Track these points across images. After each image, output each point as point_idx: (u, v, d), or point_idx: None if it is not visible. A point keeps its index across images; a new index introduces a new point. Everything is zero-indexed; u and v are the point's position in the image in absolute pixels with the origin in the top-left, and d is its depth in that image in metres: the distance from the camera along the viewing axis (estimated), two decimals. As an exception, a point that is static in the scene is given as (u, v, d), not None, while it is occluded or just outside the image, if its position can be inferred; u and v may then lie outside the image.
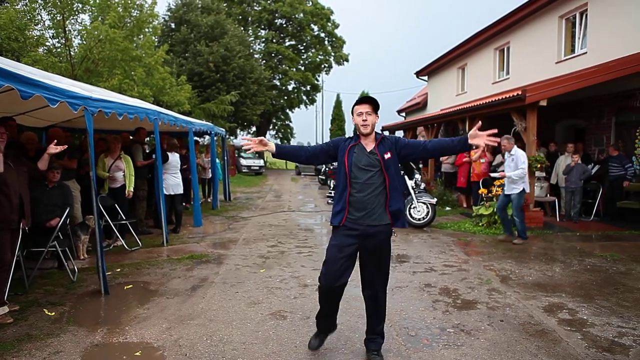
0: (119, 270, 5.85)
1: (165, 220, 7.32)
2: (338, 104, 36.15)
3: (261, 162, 28.07)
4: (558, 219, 9.91)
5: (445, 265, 6.21)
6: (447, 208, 11.72)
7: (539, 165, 9.09)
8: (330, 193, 10.60)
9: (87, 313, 4.44)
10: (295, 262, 6.36)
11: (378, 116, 3.35)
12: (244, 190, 17.54)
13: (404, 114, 26.49)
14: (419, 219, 9.09)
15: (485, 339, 3.82)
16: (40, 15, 14.53)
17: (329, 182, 16.81)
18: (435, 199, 9.37)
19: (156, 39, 16.40)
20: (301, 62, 35.31)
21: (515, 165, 7.65)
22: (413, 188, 9.20)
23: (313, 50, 35.75)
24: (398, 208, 3.33)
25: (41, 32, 14.75)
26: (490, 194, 9.14)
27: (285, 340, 3.80)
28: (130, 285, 5.27)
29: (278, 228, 9.10)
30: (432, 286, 5.30)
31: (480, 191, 9.65)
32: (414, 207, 9.12)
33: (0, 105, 5.36)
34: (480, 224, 9.02)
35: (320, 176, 20.25)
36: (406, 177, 9.36)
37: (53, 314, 4.37)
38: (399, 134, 22.49)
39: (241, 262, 6.36)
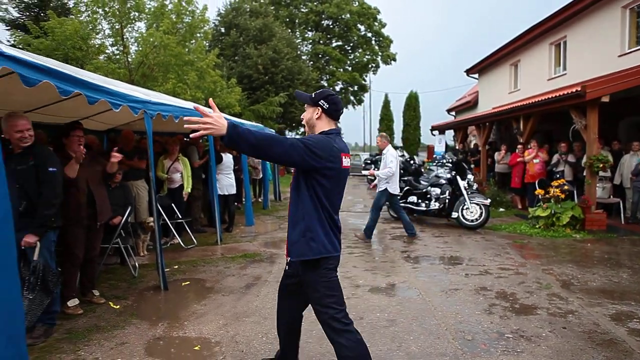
0: (176, 267, 6.07)
1: (219, 220, 7.53)
2: (386, 104, 35.77)
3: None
4: (623, 222, 9.36)
5: (501, 268, 6.02)
6: (501, 209, 11.35)
7: (601, 165, 8.63)
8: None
9: (148, 307, 4.64)
10: (347, 263, 6.35)
11: (318, 108, 2.78)
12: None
13: (453, 112, 25.93)
14: (472, 220, 8.86)
15: (547, 347, 3.67)
16: (101, 25, 15.32)
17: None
18: (489, 200, 9.10)
19: (207, 44, 16.88)
20: (348, 62, 35.30)
21: (384, 165, 7.84)
22: (465, 189, 8.98)
23: (360, 51, 35.65)
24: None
25: (102, 40, 15.54)
26: (547, 195, 8.78)
27: (339, 340, 3.80)
28: (188, 282, 5.45)
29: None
30: (488, 289, 5.15)
31: (536, 192, 9.29)
32: (466, 208, 8.90)
33: (68, 110, 5.68)
34: (537, 226, 8.67)
35: (369, 177, 20.15)
36: (458, 177, 9.16)
37: (118, 307, 4.59)
38: (449, 133, 22.05)
39: (293, 262, 6.43)
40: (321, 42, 33.66)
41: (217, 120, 2.32)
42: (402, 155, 19.00)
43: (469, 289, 5.16)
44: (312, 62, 32.67)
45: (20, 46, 12.80)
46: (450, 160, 10.01)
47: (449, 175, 9.50)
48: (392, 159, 7.83)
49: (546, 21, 14.17)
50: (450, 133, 22.02)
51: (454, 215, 8.99)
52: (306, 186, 2.67)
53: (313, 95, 2.82)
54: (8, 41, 15.09)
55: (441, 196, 9.36)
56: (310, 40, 34.15)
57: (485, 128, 14.48)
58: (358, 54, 35.59)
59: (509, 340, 3.80)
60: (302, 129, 35.28)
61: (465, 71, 21.60)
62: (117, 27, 15.08)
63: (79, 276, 4.66)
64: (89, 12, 15.05)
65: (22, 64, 2.91)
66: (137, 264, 5.79)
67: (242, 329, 4.04)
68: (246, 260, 6.49)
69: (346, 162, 2.77)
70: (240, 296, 4.94)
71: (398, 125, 34.13)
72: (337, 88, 35.33)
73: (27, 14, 16.43)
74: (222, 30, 25.64)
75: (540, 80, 15.17)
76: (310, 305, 2.90)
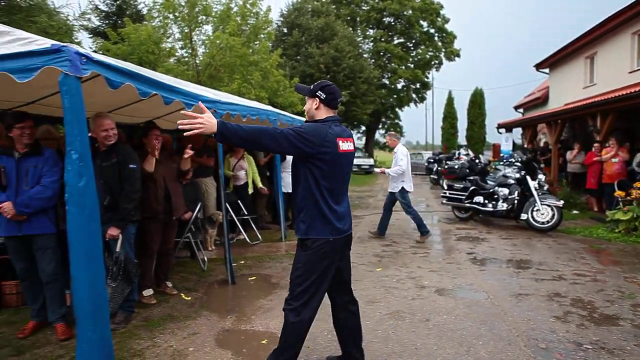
0: (242, 262, 6.25)
1: (283, 217, 7.67)
2: (450, 101, 34.86)
3: (371, 161, 28.07)
4: None
5: (576, 274, 5.68)
6: (575, 211, 10.71)
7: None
8: (445, 193, 10.25)
9: (217, 300, 4.81)
10: (412, 263, 6.26)
11: (316, 99, 2.90)
12: (355, 189, 17.70)
13: (521, 109, 24.78)
14: (543, 223, 8.43)
15: None
16: (172, 29, 16.09)
17: (441, 181, 16.32)
18: (562, 202, 8.61)
19: (270, 44, 17.21)
20: (410, 59, 34.65)
21: (395, 163, 7.77)
22: (536, 189, 8.56)
23: (422, 47, 34.89)
24: None
25: (172, 44, 16.30)
26: (628, 197, 8.18)
27: (405, 342, 3.76)
28: (254, 277, 5.60)
29: (391, 227, 9.03)
30: (562, 296, 4.88)
31: (616, 194, 8.69)
32: (537, 210, 8.48)
33: (141, 111, 6.00)
34: (616, 231, 8.10)
35: (432, 175, 19.74)
36: (528, 177, 8.75)
37: (189, 298, 4.79)
38: (517, 131, 21.10)
39: (356, 260, 6.43)
40: (382, 39, 33.30)
41: (208, 120, 2.54)
42: (467, 154, 18.44)
43: (541, 295, 4.91)
44: (373, 60, 32.42)
45: (101, 52, 13.69)
46: (520, 160, 9.58)
47: (517, 175, 9.09)
48: (402, 157, 7.82)
49: (628, 9, 13.18)
50: (517, 131, 21.07)
51: (523, 216, 8.60)
52: (303, 171, 2.83)
53: (312, 87, 2.97)
54: (90, 48, 16.17)
55: (509, 197, 8.98)
56: (372, 38, 33.88)
57: (557, 125, 13.72)
58: (420, 51, 34.87)
59: (588, 351, 3.58)
60: (363, 128, 35.19)
61: (534, 66, 20.56)
62: (186, 30, 15.76)
63: (154, 268, 4.92)
64: (161, 17, 15.85)
65: (107, 67, 3.11)
66: (206, 258, 6.02)
67: (307, 325, 4.09)
68: (310, 258, 6.56)
69: (345, 146, 2.90)
70: (305, 293, 5.00)
71: (462, 123, 33.13)
72: (399, 86, 34.84)
73: (107, 22, 17.53)
74: (285, 30, 26.06)
75: (621, 74, 14.13)
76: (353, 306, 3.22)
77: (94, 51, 13.42)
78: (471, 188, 9.69)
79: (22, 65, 2.80)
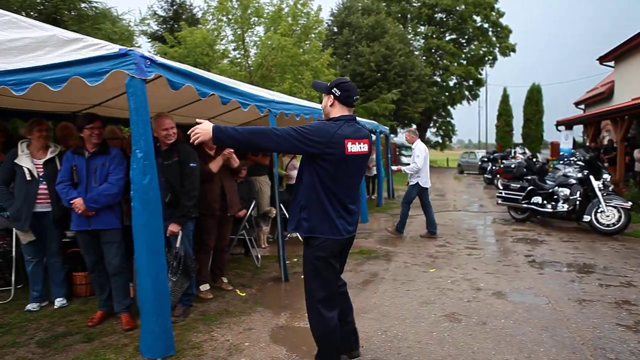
0: (295, 260, 6.32)
1: (335, 216, 7.69)
2: (505, 99, 33.59)
3: (421, 160, 27.55)
4: None
5: (647, 280, 5.34)
6: (644, 213, 10.06)
7: None
8: (500, 192, 9.91)
9: (271, 297, 4.89)
10: (466, 264, 6.10)
11: (331, 96, 2.87)
12: (406, 189, 17.43)
13: (582, 106, 23.54)
14: (608, 225, 7.97)
15: None
16: (225, 31, 16.50)
17: (495, 181, 15.80)
18: (630, 203, 8.11)
19: (320, 44, 17.29)
20: (463, 56, 33.74)
21: (412, 160, 7.86)
22: (600, 189, 8.11)
23: (476, 43, 33.86)
24: None
25: (225, 46, 16.73)
26: None
27: (461, 345, 3.67)
28: (306, 275, 5.64)
29: (445, 227, 8.86)
30: (632, 304, 4.59)
31: (691, 195, 8.08)
32: (601, 212, 8.03)
33: (195, 112, 6.19)
34: (691, 234, 7.54)
35: (485, 175, 19.15)
36: (591, 177, 8.30)
37: (244, 294, 4.90)
38: (578, 129, 20.08)
39: (410, 260, 6.35)
40: (434, 36, 32.64)
41: (203, 127, 2.64)
42: (523, 153, 17.74)
43: (608, 302, 4.65)
44: (424, 58, 31.85)
45: (159, 55, 14.24)
46: (582, 158, 9.09)
47: (579, 175, 8.64)
48: (419, 153, 7.76)
49: None
50: (577, 129, 20.05)
51: (586, 218, 8.17)
52: (308, 169, 2.83)
53: (328, 84, 2.94)
54: (149, 51, 16.87)
55: (570, 197, 8.55)
56: (423, 35, 33.30)
57: (624, 122, 12.91)
58: (474, 47, 33.87)
59: (662, 362, 3.35)
60: (413, 126, 34.69)
61: (598, 59, 19.46)
62: (238, 32, 16.13)
63: (210, 263, 5.06)
64: (215, 20, 16.31)
65: (169, 69, 3.24)
66: (259, 255, 6.13)
67: (361, 325, 4.07)
68: (362, 257, 6.54)
69: (356, 147, 2.82)
70: (358, 292, 5.00)
71: (518, 121, 31.87)
72: (451, 83, 34.04)
73: (164, 26, 18.27)
74: (335, 29, 26.10)
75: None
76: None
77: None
78: (529, 188, 9.31)
79: (93, 70, 2.97)
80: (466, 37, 34.12)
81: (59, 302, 4.46)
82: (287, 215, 6.97)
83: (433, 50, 32.85)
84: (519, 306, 4.53)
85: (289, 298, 4.84)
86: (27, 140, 4.29)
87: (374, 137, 17.51)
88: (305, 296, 3.00)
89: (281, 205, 6.75)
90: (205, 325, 4.05)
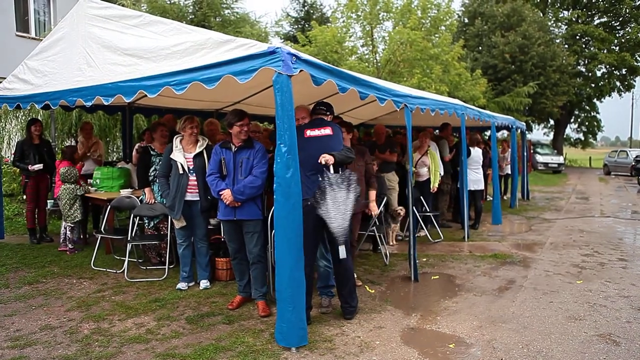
0: (424, 260, 6.12)
1: (467, 216, 7.33)
2: (666, 89, 29.09)
3: (560, 159, 25.07)
4: None
5: None
6: None
7: None
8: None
9: (400, 296, 4.78)
10: (622, 279, 5.36)
11: None
12: (542, 190, 16.06)
13: None
14: None
15: None
16: (354, 28, 16.66)
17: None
18: None
19: (451, 36, 16.59)
20: (615, 41, 29.76)
21: None
22: None
23: (632, 25, 29.60)
24: None
25: (354, 43, 16.89)
26: None
27: (623, 371, 3.21)
28: (437, 276, 5.43)
29: (592, 235, 7.92)
30: None
31: None
32: None
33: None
34: None
35: (640, 177, 16.80)
36: None
37: (373, 291, 4.87)
38: None
39: (551, 269, 5.77)
40: (580, 20, 29.29)
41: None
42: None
43: None
44: (567, 46, 28.80)
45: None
46: None
47: None
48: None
49: None
50: None
51: None
52: None
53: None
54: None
55: None
56: (566, 21, 30.10)
57: None
58: (630, 29, 29.62)
59: None
60: (551, 122, 31.69)
61: None
62: (367, 28, 16.16)
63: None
64: (344, 17, 16.54)
65: (313, 66, 3.30)
66: (388, 253, 6.05)
67: (499, 335, 3.79)
68: (497, 261, 6.12)
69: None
70: (494, 299, 4.67)
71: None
72: (598, 73, 30.32)
73: (296, 27, 19.09)
74: (466, 20, 24.89)
75: None
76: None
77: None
78: None
79: (244, 68, 3.14)
80: (620, 19, 30.01)
81: (203, 284, 4.85)
82: (417, 214, 6.87)
83: (578, 37, 29.52)
84: (697, 333, 3.83)
85: (419, 299, 4.69)
86: (181, 135, 4.72)
87: (506, 133, 16.38)
88: None
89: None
90: (336, 319, 4.08)
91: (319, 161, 3.73)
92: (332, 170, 3.77)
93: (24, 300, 4.44)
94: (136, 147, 6.65)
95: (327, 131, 3.88)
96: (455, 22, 18.47)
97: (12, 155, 7.50)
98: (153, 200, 5.26)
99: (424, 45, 14.33)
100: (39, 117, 8.37)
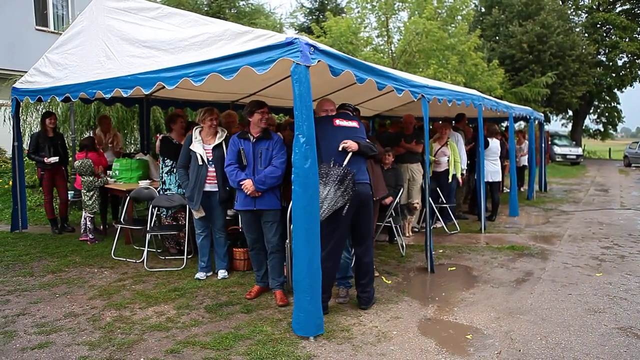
0: (441, 251, 6.11)
1: (484, 207, 7.27)
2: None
3: (579, 151, 24.63)
4: None
5: None
6: None
7: None
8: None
9: (416, 287, 4.79)
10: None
11: None
12: (560, 181, 15.83)
13: None
14: None
15: None
16: (369, 19, 16.52)
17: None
18: None
19: (467, 26, 16.36)
20: (638, 29, 28.98)
21: None
22: None
23: (656, 12, 28.79)
24: None
25: (369, 33, 16.75)
26: None
27: (644, 364, 3.18)
28: (454, 268, 5.42)
29: (612, 227, 7.80)
30: None
31: None
32: None
33: (341, 98, 6.29)
34: None
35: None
36: None
37: (390, 282, 4.88)
38: None
39: (570, 261, 5.72)
40: (600, 8, 28.59)
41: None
42: None
43: None
44: (587, 35, 28.18)
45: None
46: None
47: None
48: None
49: None
50: None
51: None
52: None
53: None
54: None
55: None
56: (586, 9, 29.43)
57: None
58: (653, 17, 28.82)
59: None
60: (570, 112, 31.11)
61: None
62: (382, 18, 16.00)
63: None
64: (359, 8, 16.40)
65: (331, 56, 3.30)
66: (404, 244, 6.05)
67: (517, 327, 3.78)
68: (514, 253, 6.07)
69: None
70: (512, 290, 4.65)
71: None
72: (620, 62, 29.60)
73: (310, 17, 19.01)
74: (483, 10, 24.51)
75: None
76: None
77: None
78: None
79: (262, 59, 3.15)
80: (644, 4, 29.19)
81: (221, 273, 4.91)
82: (433, 205, 6.83)
83: (598, 25, 28.84)
84: None
85: (436, 290, 4.69)
86: (200, 126, 4.75)
87: (523, 124, 16.09)
88: None
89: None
90: (352, 309, 4.11)
91: (340, 147, 3.73)
92: (346, 161, 3.78)
93: (48, 288, 4.55)
94: (160, 137, 6.73)
95: (354, 124, 4.01)
96: (472, 12, 18.18)
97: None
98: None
99: (440, 36, 14.16)
100: (58, 110, 8.50)
